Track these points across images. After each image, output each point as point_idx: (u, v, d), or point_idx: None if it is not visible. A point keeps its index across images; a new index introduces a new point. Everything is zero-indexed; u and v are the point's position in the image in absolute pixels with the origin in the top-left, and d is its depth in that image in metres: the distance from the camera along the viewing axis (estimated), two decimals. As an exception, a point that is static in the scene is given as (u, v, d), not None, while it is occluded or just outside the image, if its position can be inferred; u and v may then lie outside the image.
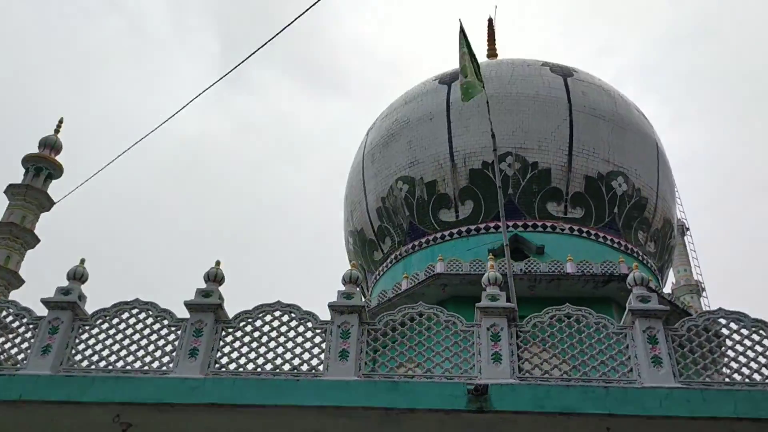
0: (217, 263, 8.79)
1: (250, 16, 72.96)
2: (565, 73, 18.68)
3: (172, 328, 8.13)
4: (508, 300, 8.37)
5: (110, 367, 7.84)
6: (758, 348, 7.49)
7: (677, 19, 74.97)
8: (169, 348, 7.98)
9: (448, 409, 7.14)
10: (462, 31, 12.58)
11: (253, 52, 7.95)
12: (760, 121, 68.42)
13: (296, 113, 74.83)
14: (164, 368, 7.81)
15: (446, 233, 16.61)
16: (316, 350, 8.00)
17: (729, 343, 7.65)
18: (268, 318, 8.25)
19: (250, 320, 8.22)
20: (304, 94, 76.15)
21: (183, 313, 8.19)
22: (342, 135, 72.41)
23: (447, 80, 18.64)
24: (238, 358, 7.93)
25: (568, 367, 7.60)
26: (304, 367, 7.84)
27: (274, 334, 8.13)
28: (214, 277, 8.55)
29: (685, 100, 73.05)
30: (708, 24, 72.99)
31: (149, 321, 8.22)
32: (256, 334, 8.13)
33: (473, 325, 7.99)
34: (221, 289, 8.46)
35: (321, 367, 7.80)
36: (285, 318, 8.24)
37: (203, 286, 8.42)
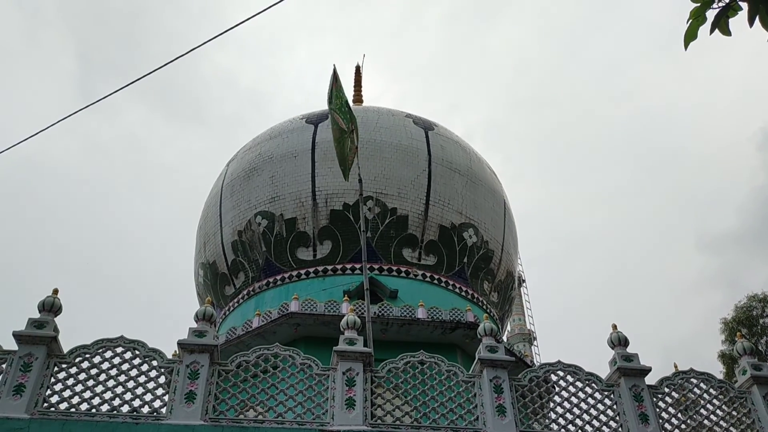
0: (55, 291, 8.01)
1: (111, 40, 69.57)
2: (426, 126, 19.51)
3: (-5, 362, 7.24)
4: (365, 344, 8.38)
5: None
6: (590, 400, 8.08)
7: (519, 85, 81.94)
8: (-11, 384, 7.09)
9: (298, 457, 6.95)
10: (335, 76, 12.57)
11: (125, 86, 7.44)
12: (586, 184, 75.81)
13: (150, 138, 71.62)
14: (-19, 407, 6.90)
15: (302, 272, 16.46)
16: (160, 391, 7.50)
17: (565, 394, 8.17)
18: (108, 354, 7.63)
19: (87, 356, 7.54)
20: (159, 119, 73.25)
21: (11, 344, 7.34)
22: (196, 164, 70.24)
23: (314, 120, 18.75)
24: (71, 397, 7.22)
25: (418, 413, 7.72)
26: (145, 410, 7.30)
27: (114, 372, 7.52)
28: (50, 307, 7.76)
29: (524, 160, 79.33)
30: (545, 93, 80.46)
31: (-34, 352, 7.27)
32: (94, 371, 7.47)
33: (329, 368, 7.90)
34: (57, 320, 7.69)
35: (164, 410, 7.31)
36: (128, 355, 7.67)
37: (37, 316, 7.62)
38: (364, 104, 23.20)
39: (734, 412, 8.26)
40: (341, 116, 12.12)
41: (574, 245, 74.68)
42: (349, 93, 24.01)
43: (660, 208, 73.98)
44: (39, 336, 7.38)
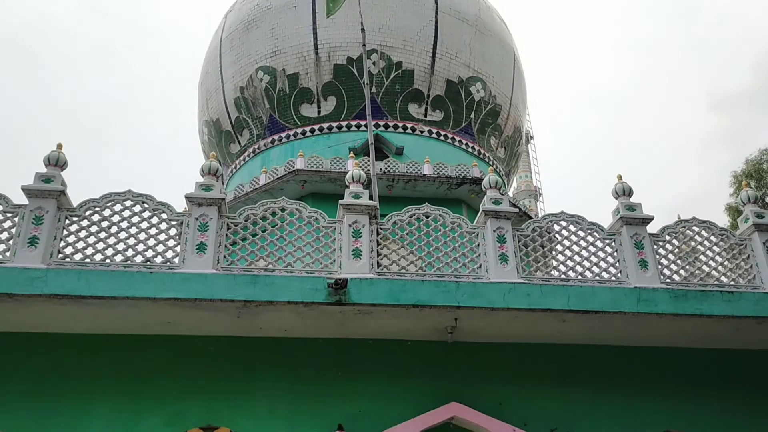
0: (59, 146, 7.98)
1: None
2: (433, -28, 18.38)
3: (8, 215, 7.36)
4: (371, 199, 8.44)
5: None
6: (591, 248, 8.24)
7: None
8: (5, 236, 7.26)
9: (307, 302, 7.22)
10: None
11: None
12: (599, 38, 73.02)
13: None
14: (0, 257, 7.13)
15: (307, 129, 16.32)
16: (171, 242, 7.65)
17: (566, 243, 8.31)
18: (117, 207, 7.71)
19: (97, 209, 7.64)
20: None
21: (21, 199, 7.43)
22: (198, 21, 67.81)
23: (315, -34, 17.68)
24: (85, 248, 7.39)
25: (423, 263, 7.93)
26: (158, 260, 7.51)
27: (125, 224, 7.63)
28: (56, 161, 7.76)
29: (535, 10, 75.90)
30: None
31: (-24, 207, 7.38)
32: (105, 224, 7.59)
33: (335, 221, 8.02)
34: (66, 178, 7.73)
35: (177, 260, 7.51)
36: (137, 208, 7.76)
37: (44, 170, 7.65)
38: (367, -50, 21.78)
39: (733, 259, 8.43)
40: None
41: (585, 102, 73.37)
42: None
43: (673, 65, 71.70)
44: (48, 190, 7.44)
